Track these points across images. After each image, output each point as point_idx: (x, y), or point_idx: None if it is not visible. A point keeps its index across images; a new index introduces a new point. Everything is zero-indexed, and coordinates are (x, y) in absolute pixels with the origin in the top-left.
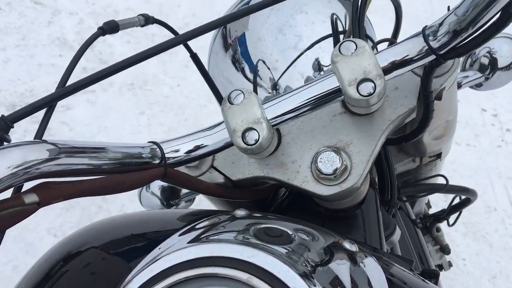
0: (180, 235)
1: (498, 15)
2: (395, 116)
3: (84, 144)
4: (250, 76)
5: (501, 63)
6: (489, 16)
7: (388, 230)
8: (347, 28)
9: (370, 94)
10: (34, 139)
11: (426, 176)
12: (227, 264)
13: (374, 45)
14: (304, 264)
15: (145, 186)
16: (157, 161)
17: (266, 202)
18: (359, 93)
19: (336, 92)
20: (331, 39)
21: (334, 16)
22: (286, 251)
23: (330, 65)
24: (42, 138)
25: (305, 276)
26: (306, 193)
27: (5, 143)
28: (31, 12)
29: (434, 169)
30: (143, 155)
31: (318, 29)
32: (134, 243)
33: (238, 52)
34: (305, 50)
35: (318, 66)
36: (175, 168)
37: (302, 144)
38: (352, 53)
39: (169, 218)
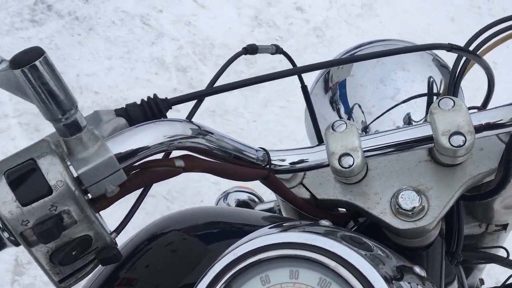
0: (270, 228)
1: None
2: (476, 172)
3: (217, 132)
4: (344, 116)
5: None
6: None
7: (448, 278)
8: (441, 91)
9: (459, 146)
10: (186, 118)
11: (488, 245)
12: (319, 251)
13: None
14: (383, 270)
15: (222, 197)
16: (263, 164)
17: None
18: (450, 143)
19: (428, 140)
20: (425, 98)
21: (431, 79)
22: (369, 255)
23: (420, 120)
24: (191, 119)
25: (386, 278)
26: (381, 223)
27: (163, 118)
28: (139, 30)
29: (497, 240)
30: (254, 156)
31: (415, 87)
32: (224, 232)
33: (337, 95)
34: (401, 103)
35: (408, 120)
36: (276, 175)
37: (386, 180)
38: (449, 108)
39: (254, 216)
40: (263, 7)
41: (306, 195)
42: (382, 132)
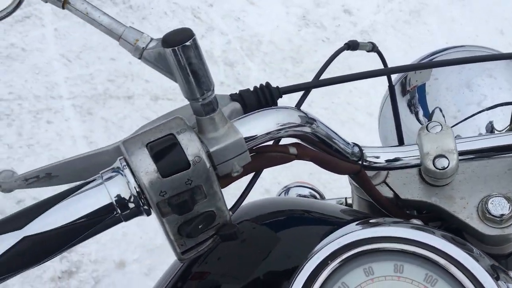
0: (357, 224)
1: None
2: None
3: (319, 120)
4: (423, 120)
5: None
6: None
7: None
8: None
9: None
10: (295, 106)
11: None
12: (427, 248)
13: None
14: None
15: (284, 191)
16: (356, 160)
17: None
18: None
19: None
20: (510, 107)
21: None
22: (472, 254)
23: (503, 129)
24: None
25: (493, 277)
26: (466, 228)
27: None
28: (190, 23)
29: None
30: (349, 151)
31: (502, 94)
32: (309, 222)
33: (416, 98)
34: (486, 109)
35: (491, 128)
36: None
37: (473, 186)
38: None
39: (332, 208)
40: (311, 8)
41: (389, 194)
42: (476, 136)
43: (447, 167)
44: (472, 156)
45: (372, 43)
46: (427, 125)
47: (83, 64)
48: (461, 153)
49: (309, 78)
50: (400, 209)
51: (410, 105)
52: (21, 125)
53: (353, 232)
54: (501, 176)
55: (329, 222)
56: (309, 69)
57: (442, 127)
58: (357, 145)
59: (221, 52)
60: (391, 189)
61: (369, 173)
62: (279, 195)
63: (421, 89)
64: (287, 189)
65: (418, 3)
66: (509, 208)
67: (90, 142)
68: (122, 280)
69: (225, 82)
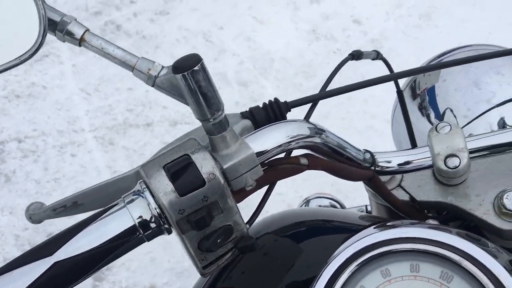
0: (375, 228)
1: None
2: None
3: (329, 131)
4: (435, 121)
5: None
6: None
7: None
8: None
9: None
10: (304, 118)
11: None
12: (440, 246)
13: None
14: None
15: (304, 203)
16: (368, 166)
17: None
18: None
19: None
20: None
21: None
22: (487, 249)
23: None
24: (308, 120)
25: (509, 271)
26: (484, 225)
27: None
28: (202, 47)
29: None
30: (361, 157)
31: (511, 90)
32: (328, 231)
33: (426, 101)
34: (496, 106)
35: (503, 124)
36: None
37: (488, 182)
38: None
39: (352, 215)
40: (320, 21)
41: (405, 197)
42: (487, 133)
43: (459, 165)
44: (484, 153)
45: (376, 51)
46: (436, 126)
47: (102, 96)
48: (472, 151)
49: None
50: (418, 211)
51: (421, 108)
52: (47, 160)
53: (368, 236)
54: (508, 171)
55: (348, 229)
56: (322, 81)
57: (451, 127)
58: (368, 151)
59: (234, 73)
60: (407, 192)
61: (384, 178)
62: (301, 206)
63: (431, 91)
64: (307, 201)
65: (427, 7)
66: None
67: (114, 171)
68: None
69: (240, 101)
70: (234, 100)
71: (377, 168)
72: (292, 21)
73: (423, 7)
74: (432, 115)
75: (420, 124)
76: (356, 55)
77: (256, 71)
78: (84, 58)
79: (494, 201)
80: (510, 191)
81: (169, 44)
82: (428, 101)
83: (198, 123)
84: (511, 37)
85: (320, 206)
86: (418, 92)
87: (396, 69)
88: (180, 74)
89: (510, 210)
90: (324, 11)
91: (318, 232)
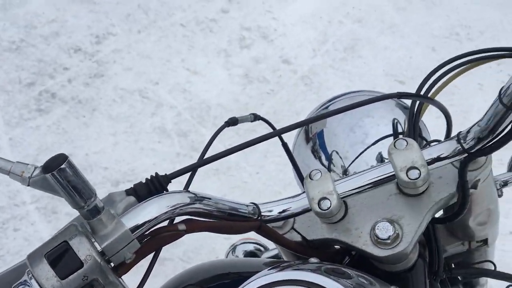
0: (269, 269)
1: (509, 127)
2: (438, 198)
3: (210, 196)
4: (325, 163)
5: None
6: (505, 125)
7: None
8: (405, 130)
9: (416, 178)
10: (183, 189)
11: (477, 261)
12: (305, 285)
13: (428, 143)
14: None
15: (231, 250)
16: (255, 217)
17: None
18: (408, 177)
19: (391, 176)
20: (391, 138)
21: (395, 120)
22: (350, 282)
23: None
24: (188, 189)
25: None
26: (366, 254)
27: (164, 192)
28: (139, 104)
29: (485, 255)
30: (246, 211)
31: (381, 129)
32: (233, 282)
33: (317, 144)
34: (370, 145)
35: (381, 158)
36: (267, 224)
37: (364, 215)
38: (403, 148)
39: (258, 263)
40: (251, 65)
41: (299, 238)
42: (353, 175)
43: (330, 206)
44: (354, 192)
45: (253, 114)
46: (310, 173)
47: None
48: (344, 191)
49: (261, 133)
50: (311, 249)
51: (313, 151)
52: None
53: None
54: (385, 202)
55: (245, 278)
56: (259, 122)
57: (321, 173)
58: (253, 203)
59: (173, 125)
60: (298, 233)
61: (278, 224)
62: (228, 254)
63: (320, 135)
64: (234, 247)
65: (350, 40)
66: (393, 229)
67: None
68: None
69: (181, 152)
70: (175, 152)
71: (263, 218)
72: (224, 68)
73: (347, 40)
74: (323, 158)
75: (314, 166)
76: (232, 122)
77: (194, 121)
78: (21, 129)
79: (370, 232)
80: (381, 222)
81: (106, 106)
82: (318, 145)
83: (142, 178)
84: (429, 59)
85: (245, 251)
86: (310, 136)
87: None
88: (50, 173)
89: (383, 239)
90: (255, 55)
91: (219, 285)
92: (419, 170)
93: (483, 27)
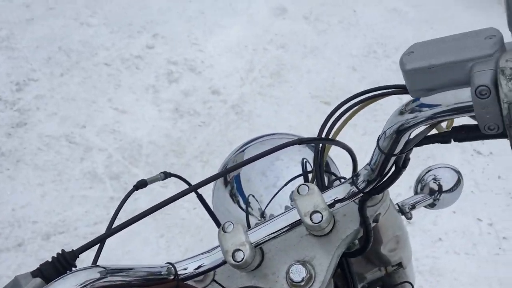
0: None
1: (393, 168)
2: (344, 235)
3: (122, 267)
4: (243, 206)
5: (445, 187)
6: (389, 167)
7: None
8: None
9: (319, 222)
10: (92, 264)
11: (396, 283)
12: None
13: (337, 178)
14: None
15: None
16: (172, 277)
17: None
18: (312, 221)
19: (298, 220)
20: (301, 178)
21: (304, 160)
22: None
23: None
24: (97, 263)
25: None
26: None
27: (73, 268)
28: (66, 150)
29: (403, 276)
30: (162, 273)
31: (291, 171)
32: None
33: (235, 188)
34: (282, 187)
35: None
36: (186, 282)
37: (279, 259)
38: (305, 193)
39: None
40: (181, 99)
41: None
42: (264, 222)
43: (244, 257)
44: (266, 239)
45: (163, 172)
46: (223, 226)
47: None
48: (257, 240)
49: (195, 167)
50: None
51: (232, 195)
52: None
53: None
54: (297, 244)
55: None
56: (193, 156)
57: (233, 225)
58: (169, 263)
59: (104, 168)
60: (220, 284)
61: (198, 278)
62: None
63: (237, 179)
64: None
65: (276, 66)
66: (305, 271)
67: None
68: None
69: (115, 196)
70: (108, 196)
71: (180, 276)
72: (154, 104)
73: (272, 66)
74: (241, 201)
75: (233, 210)
76: (140, 185)
77: (126, 161)
78: None
79: (286, 276)
80: (294, 265)
81: (31, 155)
82: (236, 189)
83: (74, 230)
84: (350, 78)
85: None
86: (228, 180)
87: (258, 127)
88: None
89: (297, 282)
90: (183, 88)
91: None
92: (321, 213)
93: (398, 43)
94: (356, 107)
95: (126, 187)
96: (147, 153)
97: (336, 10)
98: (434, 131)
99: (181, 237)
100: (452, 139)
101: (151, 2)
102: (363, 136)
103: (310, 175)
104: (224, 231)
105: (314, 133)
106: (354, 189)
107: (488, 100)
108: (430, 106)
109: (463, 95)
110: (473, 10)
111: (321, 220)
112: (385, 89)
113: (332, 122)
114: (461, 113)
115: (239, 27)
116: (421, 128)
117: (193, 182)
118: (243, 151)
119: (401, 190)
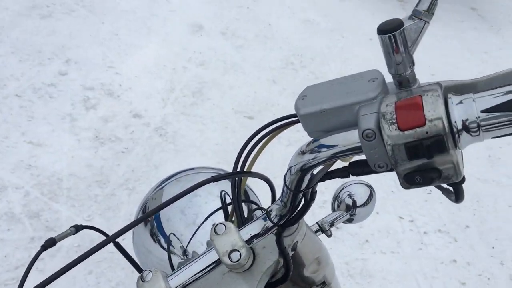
0: None
1: (303, 201)
2: (265, 268)
3: None
4: (165, 245)
5: (359, 202)
6: (297, 201)
7: None
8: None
9: (238, 260)
10: None
11: None
12: None
13: (258, 207)
14: None
15: None
16: None
17: None
18: (230, 261)
19: (218, 260)
20: (221, 211)
21: (223, 192)
22: None
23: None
24: None
25: None
26: None
27: None
28: None
29: None
30: None
31: (210, 205)
32: None
33: (155, 227)
34: (202, 223)
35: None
36: None
37: None
38: (223, 232)
39: None
40: (100, 125)
41: None
42: (183, 267)
43: None
44: (189, 281)
45: (74, 226)
46: (141, 275)
47: None
48: (181, 283)
49: (120, 196)
50: None
51: (152, 234)
52: None
53: None
54: (220, 282)
55: None
56: (118, 184)
57: (152, 273)
58: None
59: (22, 207)
60: None
61: None
62: None
63: (157, 218)
64: None
65: (197, 83)
66: None
67: None
68: None
69: (35, 236)
70: (28, 237)
71: None
72: (72, 134)
73: (193, 84)
74: (162, 240)
75: (154, 249)
76: (49, 245)
77: (45, 197)
78: None
79: None
80: None
81: None
82: (156, 228)
83: None
84: (271, 91)
85: None
86: (148, 219)
87: (183, 148)
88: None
89: None
90: (102, 114)
91: None
92: (239, 251)
93: (313, 54)
94: (267, 137)
95: (47, 225)
96: (68, 187)
97: (252, 25)
98: (336, 165)
99: (111, 271)
100: (350, 174)
101: (60, 27)
102: (287, 147)
103: (230, 207)
104: (143, 281)
105: (239, 148)
106: (269, 223)
107: (374, 142)
108: (328, 147)
109: (354, 137)
110: (378, 15)
111: (240, 258)
112: (293, 117)
113: (246, 155)
114: (356, 153)
115: (156, 47)
116: (322, 165)
117: (119, 213)
118: (161, 188)
119: (326, 197)
